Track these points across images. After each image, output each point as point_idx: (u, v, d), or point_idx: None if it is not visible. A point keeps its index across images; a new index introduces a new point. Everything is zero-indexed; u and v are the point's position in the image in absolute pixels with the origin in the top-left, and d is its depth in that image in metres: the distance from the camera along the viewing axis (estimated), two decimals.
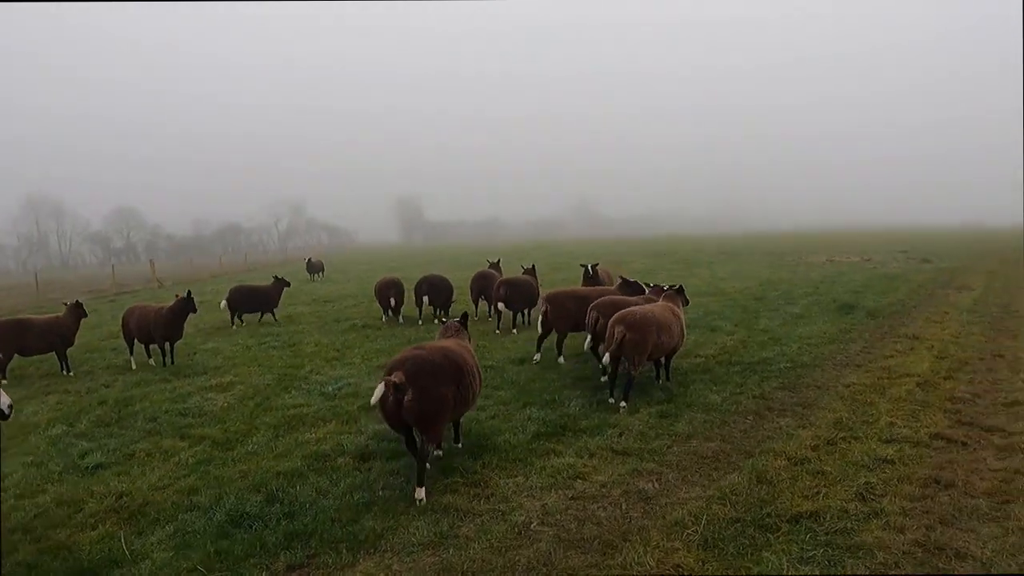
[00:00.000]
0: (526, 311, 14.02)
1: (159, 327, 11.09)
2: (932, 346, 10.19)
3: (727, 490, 5.26)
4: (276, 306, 16.32)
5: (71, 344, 11.02)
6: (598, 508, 5.15)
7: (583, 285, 14.27)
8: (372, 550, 4.69)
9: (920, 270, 22.87)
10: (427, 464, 5.59)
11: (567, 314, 9.93)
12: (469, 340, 6.79)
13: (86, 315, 11.32)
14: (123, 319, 11.56)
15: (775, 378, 8.62)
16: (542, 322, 10.06)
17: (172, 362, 11.28)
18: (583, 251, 43.85)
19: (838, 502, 4.96)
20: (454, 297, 15.43)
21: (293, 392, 9.14)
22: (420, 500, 5.37)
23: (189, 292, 11.76)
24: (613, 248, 46.21)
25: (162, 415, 8.25)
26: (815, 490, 5.20)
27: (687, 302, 9.53)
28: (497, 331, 13.05)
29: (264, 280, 19.03)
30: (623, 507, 5.13)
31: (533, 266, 14.66)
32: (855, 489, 5.18)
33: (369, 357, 11.24)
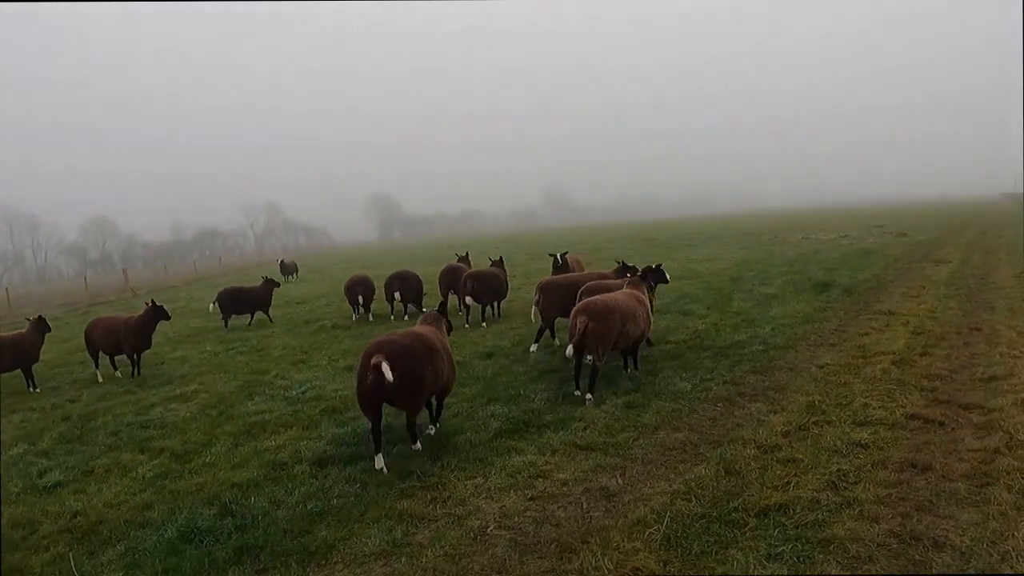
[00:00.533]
0: (495, 304, 13.77)
1: (129, 336, 10.80)
2: (908, 322, 10.06)
3: (693, 484, 5.06)
4: (269, 305, 16.45)
5: (36, 360, 10.65)
6: (558, 508, 4.94)
7: (553, 274, 14.10)
8: (323, 562, 4.53)
9: (896, 244, 22.88)
10: (416, 431, 6.26)
11: (558, 302, 9.86)
12: (448, 329, 7.13)
13: (49, 330, 10.94)
14: (87, 332, 11.22)
15: (747, 362, 8.45)
16: (539, 313, 10.03)
17: (139, 373, 10.95)
18: (561, 240, 43.67)
19: (809, 492, 4.77)
20: (425, 291, 15.18)
21: (256, 399, 8.87)
22: (430, 431, 6.55)
23: (153, 301, 11.40)
24: (589, 236, 45.99)
25: (124, 428, 8.00)
26: (785, 480, 5.01)
27: (661, 281, 9.39)
28: (466, 325, 12.80)
29: (251, 281, 18.79)
30: (584, 506, 4.93)
31: (501, 258, 14.37)
32: (827, 477, 4.98)
33: (336, 358, 10.98)
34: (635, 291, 8.24)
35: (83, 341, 11.55)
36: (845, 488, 4.82)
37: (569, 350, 7.28)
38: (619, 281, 9.32)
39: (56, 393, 10.20)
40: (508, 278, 14.11)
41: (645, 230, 44.55)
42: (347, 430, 7.05)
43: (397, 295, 14.33)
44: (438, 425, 6.80)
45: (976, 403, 6.31)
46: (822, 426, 5.96)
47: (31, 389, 10.37)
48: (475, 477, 5.62)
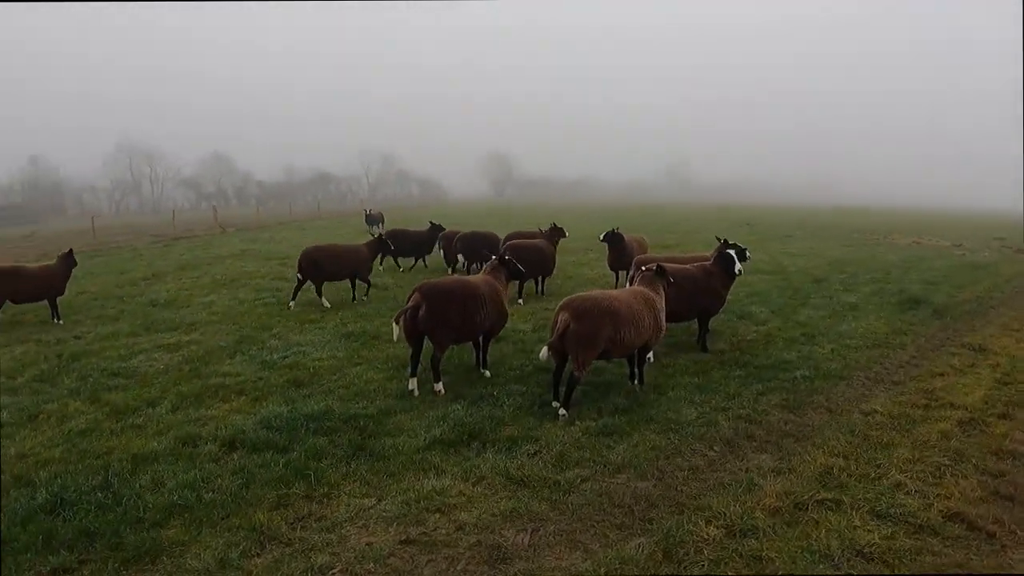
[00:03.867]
0: (539, 280, 12.58)
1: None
2: (997, 364, 7.83)
3: (613, 565, 3.81)
4: (430, 252, 16.51)
5: (61, 293, 10.96)
6: (426, 563, 3.94)
7: (609, 254, 12.69)
8: (143, 567, 4.00)
9: (1014, 261, 18.86)
10: (439, 370, 6.86)
11: None
12: (508, 277, 7.76)
13: (75, 264, 11.14)
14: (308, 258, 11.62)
15: (781, 391, 6.83)
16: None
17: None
18: (665, 215, 41.05)
19: None
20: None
21: (237, 358, 8.49)
22: (440, 391, 6.78)
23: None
24: (695, 214, 42.72)
25: (95, 374, 7.91)
26: None
27: (729, 270, 8.19)
28: None
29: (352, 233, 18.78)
30: (459, 567, 3.83)
31: (553, 225, 13.00)
32: None
33: (346, 322, 10.44)
34: (647, 290, 6.82)
35: (136, 275, 11.60)
36: None
37: (543, 352, 6.08)
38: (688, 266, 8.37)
39: (72, 327, 10.37)
40: (555, 251, 12.74)
41: (753, 214, 40.58)
42: (288, 410, 6.39)
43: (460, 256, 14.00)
44: (487, 372, 7.45)
45: None
46: (827, 509, 4.41)
47: (55, 320, 10.61)
48: (369, 497, 4.77)
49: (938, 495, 4.56)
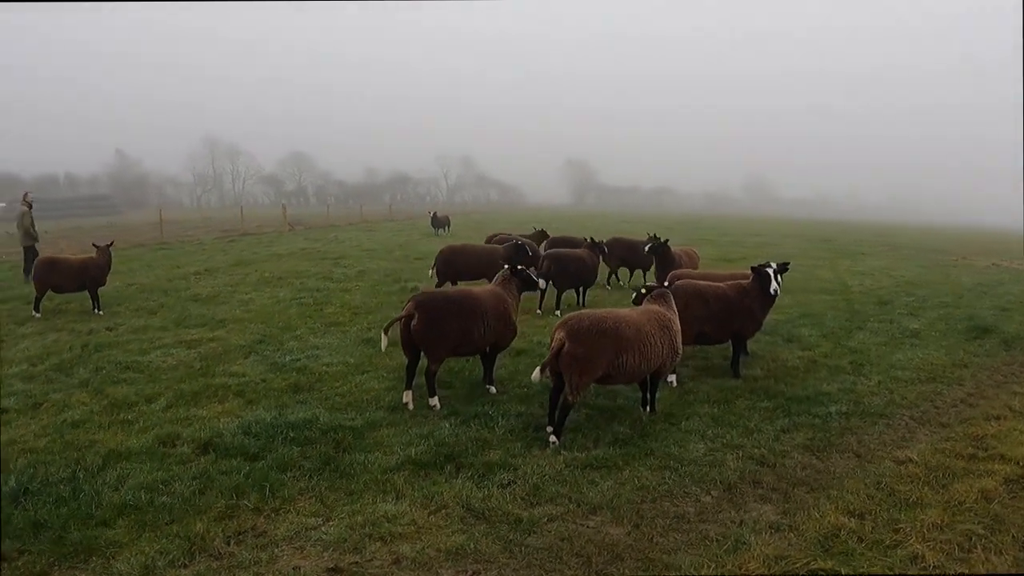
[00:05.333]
0: (579, 291, 12.06)
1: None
2: None
3: None
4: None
5: (102, 284, 11.45)
6: None
7: (657, 268, 12.06)
8: (69, 568, 3.99)
9: None
10: (433, 384, 6.56)
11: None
12: (521, 289, 7.22)
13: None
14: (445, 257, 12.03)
15: (808, 429, 6.09)
16: None
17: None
18: (738, 228, 39.24)
19: None
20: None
21: (250, 358, 8.52)
22: (435, 406, 6.50)
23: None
24: (771, 228, 40.36)
25: (109, 367, 8.14)
26: None
27: (765, 290, 7.50)
28: (538, 311, 11.27)
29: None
30: None
31: (592, 240, 12.46)
32: None
33: (370, 327, 10.27)
34: (660, 308, 6.23)
35: (190, 269, 11.81)
36: None
37: (535, 373, 5.64)
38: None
39: (110, 318, 10.77)
40: (599, 261, 12.19)
41: (829, 231, 38.09)
42: (273, 416, 6.29)
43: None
44: (492, 389, 7.05)
45: None
46: None
47: (95, 311, 11.06)
48: (317, 516, 4.55)
49: (964, 572, 3.78)
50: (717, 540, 4.19)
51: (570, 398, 5.59)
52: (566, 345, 5.54)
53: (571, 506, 4.63)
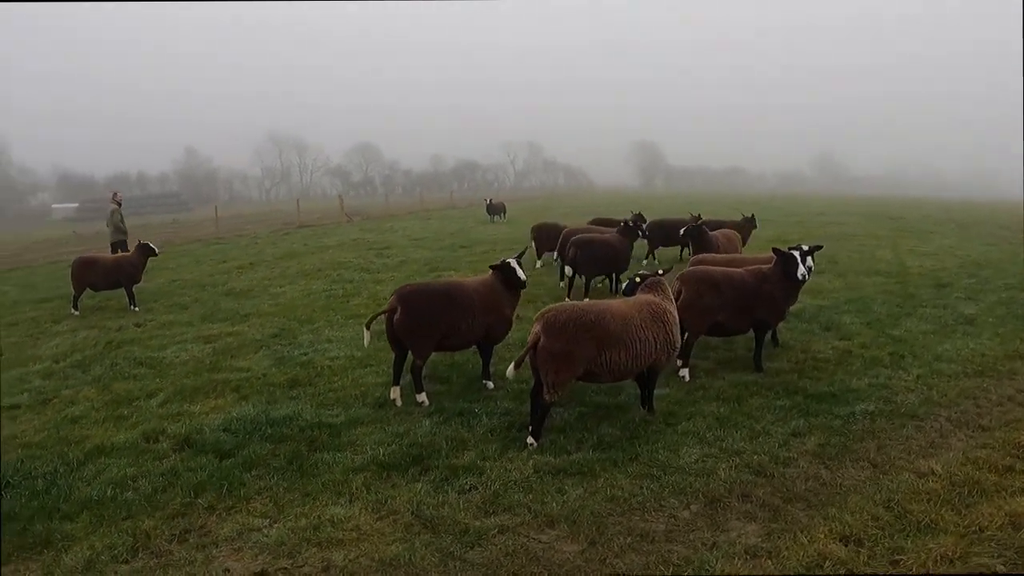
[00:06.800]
0: (611, 278, 11.50)
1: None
2: None
3: None
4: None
5: (137, 281, 11.94)
6: None
7: (693, 250, 11.35)
8: (24, 559, 4.14)
9: None
10: (420, 380, 6.33)
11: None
12: (510, 285, 6.69)
13: (154, 253, 12.09)
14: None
15: (824, 432, 5.46)
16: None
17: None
18: (805, 208, 36.92)
19: None
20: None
21: (260, 352, 8.64)
22: (423, 402, 6.28)
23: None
24: (838, 206, 37.47)
25: (124, 363, 8.45)
26: None
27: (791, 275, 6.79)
28: (568, 299, 10.78)
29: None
30: None
31: (626, 222, 11.77)
32: None
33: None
34: (653, 298, 5.71)
35: (231, 265, 12.05)
36: None
37: (510, 370, 5.27)
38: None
39: (141, 314, 11.19)
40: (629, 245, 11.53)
41: (899, 208, 35.13)
42: (258, 411, 6.31)
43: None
44: (489, 384, 6.79)
45: None
46: None
47: (131, 308, 11.57)
48: (266, 517, 4.50)
49: None
50: (677, 565, 3.76)
51: (547, 397, 5.22)
52: (541, 340, 5.15)
53: (528, 517, 4.31)
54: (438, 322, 6.24)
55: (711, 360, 7.47)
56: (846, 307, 9.80)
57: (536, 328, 5.27)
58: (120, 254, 12.12)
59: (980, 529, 3.95)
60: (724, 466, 4.90)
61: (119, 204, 16.28)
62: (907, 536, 3.91)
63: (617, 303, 5.65)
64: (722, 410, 5.97)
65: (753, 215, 14.99)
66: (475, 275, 7.86)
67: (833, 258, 14.60)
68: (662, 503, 4.44)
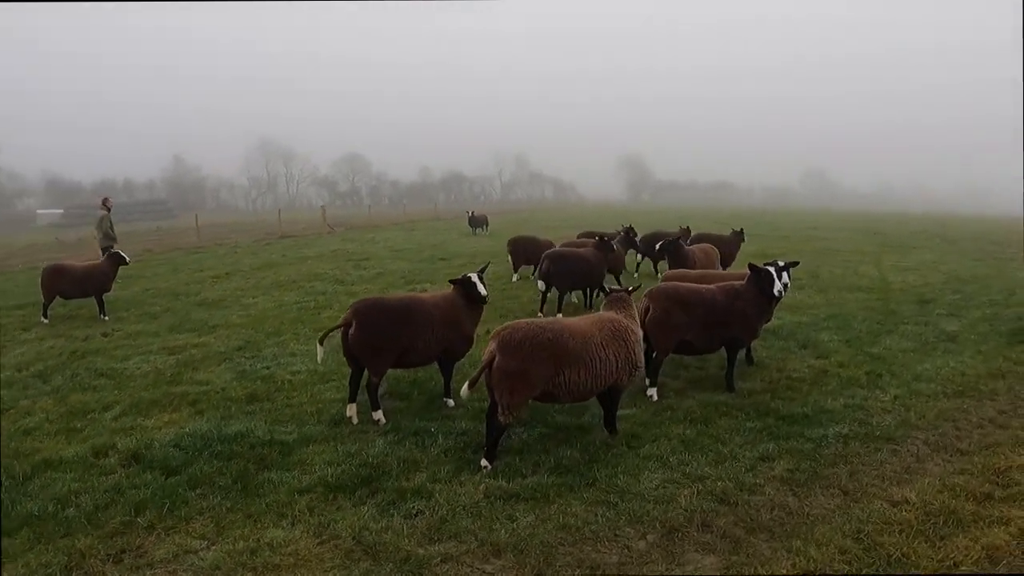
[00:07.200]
0: (586, 292, 11.35)
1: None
2: None
3: None
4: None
5: (107, 290, 11.75)
6: None
7: (671, 263, 11.23)
8: None
9: None
10: (376, 397, 6.16)
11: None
12: (471, 300, 6.50)
13: (126, 263, 11.86)
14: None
15: (794, 456, 5.32)
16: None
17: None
18: (788, 221, 37.03)
19: None
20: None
21: (222, 366, 8.45)
22: (379, 420, 6.09)
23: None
24: (821, 221, 37.51)
25: (85, 374, 8.25)
26: None
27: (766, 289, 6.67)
28: (540, 314, 10.61)
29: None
30: None
31: (601, 237, 11.68)
32: None
33: None
34: (615, 315, 5.55)
35: (206, 275, 11.85)
36: None
37: (464, 389, 5.08)
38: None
39: (110, 324, 10.97)
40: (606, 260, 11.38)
41: (883, 223, 35.13)
42: (211, 427, 6.11)
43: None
44: (450, 402, 6.58)
45: None
46: None
47: (101, 316, 11.32)
48: (204, 539, 4.34)
49: None
50: None
51: (501, 419, 5.04)
52: (497, 358, 4.96)
53: (474, 545, 4.12)
54: (394, 338, 6.05)
55: (682, 379, 7.31)
56: (825, 324, 9.72)
57: (491, 346, 5.10)
58: (89, 262, 11.87)
59: (954, 564, 3.80)
60: (686, 493, 4.72)
61: (108, 210, 16.24)
62: (876, 571, 3.73)
63: (575, 321, 5.48)
64: (689, 432, 5.80)
65: (742, 229, 14.94)
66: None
67: (815, 273, 14.56)
68: (617, 532, 4.26)
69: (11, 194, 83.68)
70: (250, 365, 8.22)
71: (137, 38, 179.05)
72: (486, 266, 7.35)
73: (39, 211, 68.21)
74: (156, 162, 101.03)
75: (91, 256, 16.48)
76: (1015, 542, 3.98)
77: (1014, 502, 4.50)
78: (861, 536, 4.13)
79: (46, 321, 11.03)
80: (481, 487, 4.79)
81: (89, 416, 6.62)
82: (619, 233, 14.15)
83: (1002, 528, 4.12)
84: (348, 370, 7.64)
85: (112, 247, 15.57)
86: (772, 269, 6.76)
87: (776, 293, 6.70)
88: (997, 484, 4.77)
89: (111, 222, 15.95)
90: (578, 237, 15.12)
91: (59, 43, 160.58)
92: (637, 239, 14.34)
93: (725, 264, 13.13)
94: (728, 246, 13.92)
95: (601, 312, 5.70)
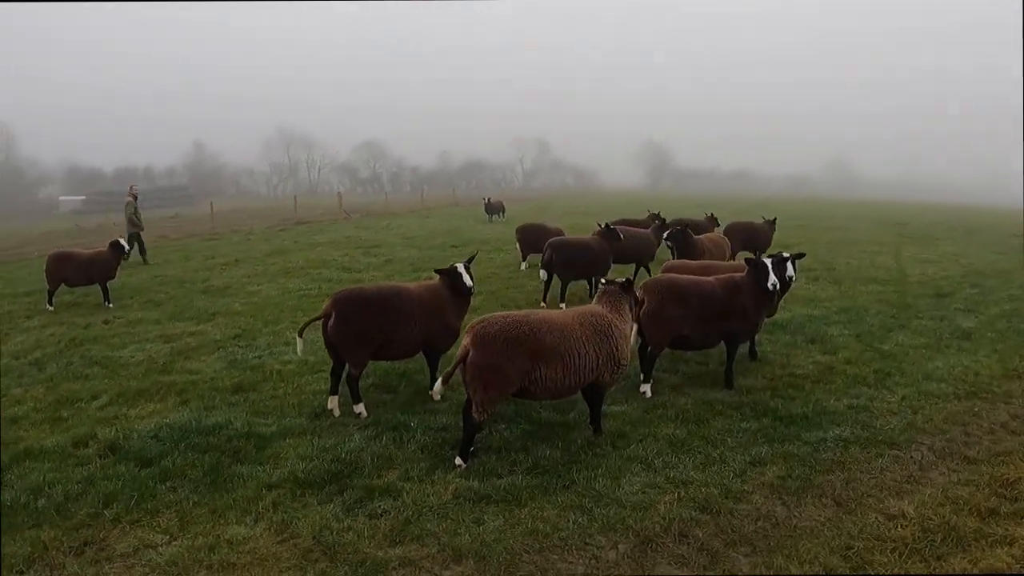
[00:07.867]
0: (591, 281, 11.06)
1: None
2: None
3: None
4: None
5: (112, 277, 11.84)
6: None
7: (675, 254, 10.90)
8: None
9: None
10: (358, 391, 6.02)
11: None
12: (457, 292, 6.32)
13: (124, 252, 11.99)
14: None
15: (788, 461, 5.07)
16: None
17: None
18: (811, 213, 36.08)
19: None
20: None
21: (216, 354, 8.43)
22: (360, 413, 5.95)
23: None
24: (841, 211, 36.40)
25: (80, 362, 8.30)
26: None
27: (762, 284, 6.38)
28: (543, 304, 10.36)
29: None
30: None
31: (607, 225, 11.33)
32: None
33: None
34: (601, 310, 5.31)
35: (220, 261, 11.82)
36: None
37: (437, 386, 4.90)
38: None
39: (114, 311, 11.00)
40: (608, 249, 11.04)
41: (905, 213, 33.94)
42: (192, 418, 6.06)
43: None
44: (435, 395, 6.26)
45: None
46: None
47: (105, 304, 11.41)
48: (167, 533, 4.28)
49: None
50: None
51: (475, 416, 4.87)
52: (470, 353, 4.76)
53: (435, 549, 3.97)
54: (373, 329, 5.91)
55: (680, 375, 7.06)
56: (837, 317, 9.36)
57: (466, 341, 4.90)
58: (96, 250, 11.93)
59: None
60: (667, 499, 4.52)
61: (135, 197, 16.71)
62: None
63: (555, 314, 5.25)
64: (679, 432, 5.57)
65: (775, 219, 14.53)
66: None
67: (831, 264, 14.09)
68: (587, 540, 4.08)
69: (33, 182, 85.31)
70: (242, 354, 8.18)
71: (159, 28, 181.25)
72: (474, 256, 7.14)
73: (61, 198, 69.42)
74: (177, 148, 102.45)
75: (107, 240, 16.71)
76: (1018, 565, 3.70)
77: (1021, 519, 4.20)
78: (850, 553, 3.90)
79: (51, 308, 11.15)
80: (451, 487, 4.65)
81: (76, 405, 6.64)
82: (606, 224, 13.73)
83: (1004, 549, 3.84)
84: None
85: (139, 233, 16.22)
86: (769, 262, 6.46)
87: (770, 287, 6.41)
88: (1004, 498, 4.47)
89: (136, 208, 16.41)
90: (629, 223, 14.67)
91: (80, 31, 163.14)
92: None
93: (762, 252, 12.92)
94: (763, 235, 13.88)
95: (586, 305, 5.46)
